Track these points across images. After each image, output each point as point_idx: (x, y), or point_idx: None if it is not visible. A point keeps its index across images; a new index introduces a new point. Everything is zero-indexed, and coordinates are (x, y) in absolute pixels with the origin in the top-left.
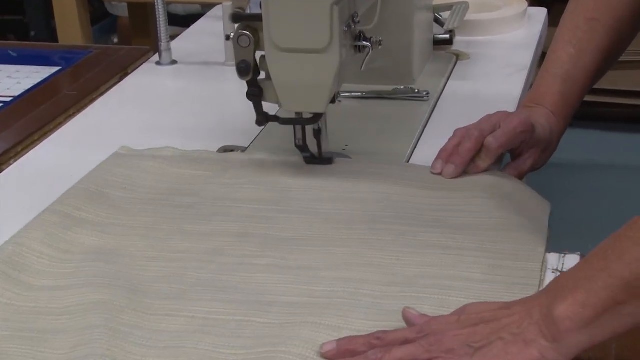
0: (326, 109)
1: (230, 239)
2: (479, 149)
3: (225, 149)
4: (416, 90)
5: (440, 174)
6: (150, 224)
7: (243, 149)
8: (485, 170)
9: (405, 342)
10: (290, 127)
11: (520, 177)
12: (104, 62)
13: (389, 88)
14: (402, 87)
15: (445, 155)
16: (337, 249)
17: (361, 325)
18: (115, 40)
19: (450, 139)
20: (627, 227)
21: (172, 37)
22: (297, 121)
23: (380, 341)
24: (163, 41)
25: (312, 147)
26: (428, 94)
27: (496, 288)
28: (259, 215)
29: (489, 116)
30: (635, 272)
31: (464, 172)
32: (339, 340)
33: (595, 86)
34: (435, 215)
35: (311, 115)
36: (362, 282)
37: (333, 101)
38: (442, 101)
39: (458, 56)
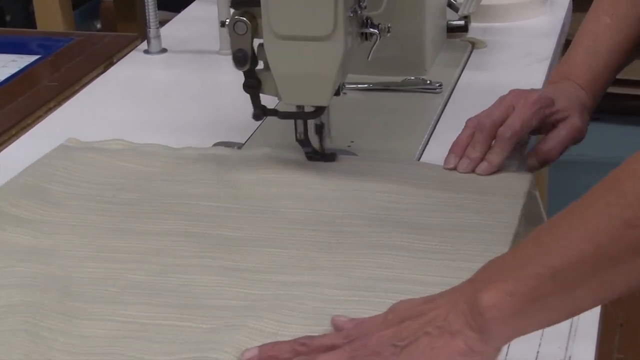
0: (330, 101)
1: (174, 238)
2: (493, 139)
3: (221, 145)
4: (428, 82)
5: (454, 169)
6: (91, 222)
7: (240, 145)
8: (501, 163)
9: (332, 348)
10: (290, 122)
11: (551, 157)
12: (87, 51)
13: (399, 79)
14: (412, 78)
15: (459, 149)
16: (287, 251)
17: (300, 331)
18: (99, 26)
19: (462, 131)
20: (566, 211)
21: (162, 23)
22: (298, 115)
23: (305, 347)
24: (152, 27)
25: (315, 142)
26: (441, 85)
27: None
28: (208, 214)
29: (501, 99)
30: (566, 260)
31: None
32: (261, 346)
33: (625, 76)
34: (401, 215)
35: (313, 109)
36: (310, 285)
37: (337, 93)
38: (456, 93)
39: (474, 44)
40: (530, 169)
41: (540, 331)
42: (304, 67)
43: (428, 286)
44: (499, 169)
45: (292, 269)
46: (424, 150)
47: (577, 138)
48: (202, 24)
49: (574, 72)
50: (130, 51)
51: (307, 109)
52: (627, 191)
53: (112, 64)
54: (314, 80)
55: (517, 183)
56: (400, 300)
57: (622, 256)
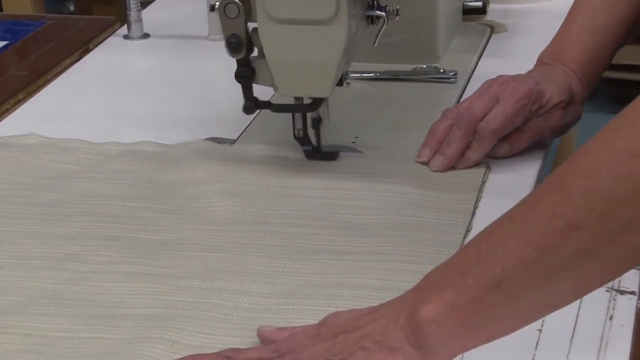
0: (331, 93)
1: (92, 242)
2: (473, 134)
3: (210, 142)
4: (441, 70)
5: (426, 164)
6: (1, 225)
7: (231, 142)
8: (479, 160)
9: None
10: (285, 116)
11: (504, 156)
12: (60, 36)
13: (408, 67)
14: (424, 66)
15: (434, 142)
16: (218, 255)
17: (227, 344)
18: (72, 8)
19: (439, 121)
20: (505, 215)
21: (144, 5)
22: (296, 108)
23: None
24: (132, 10)
25: (312, 137)
26: (456, 74)
27: (393, 295)
28: (129, 215)
29: (487, 84)
30: (507, 269)
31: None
32: (182, 359)
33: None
34: (350, 214)
35: (312, 101)
36: (238, 293)
37: (340, 84)
38: (473, 83)
39: (493, 28)
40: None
41: (568, 340)
42: (303, 54)
43: (370, 290)
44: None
45: (222, 274)
46: None
47: (547, 136)
48: (188, 5)
49: (566, 53)
50: (108, 36)
51: (307, 101)
52: (573, 190)
53: (87, 50)
54: (313, 69)
55: (474, 179)
56: (336, 311)
57: (568, 261)
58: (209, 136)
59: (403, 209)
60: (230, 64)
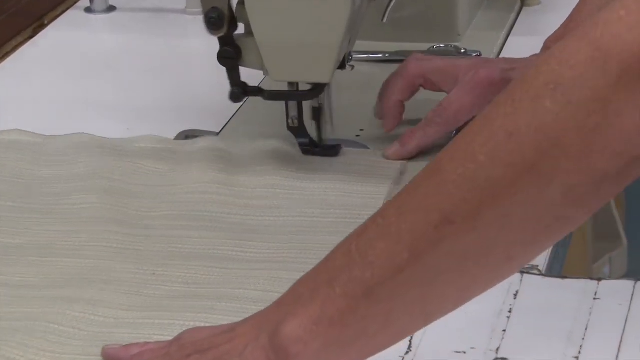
0: (332, 78)
1: None
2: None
3: (187, 135)
4: (462, 50)
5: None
6: None
7: (214, 135)
8: (416, 150)
9: None
10: (279, 105)
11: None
12: (9, 10)
13: (424, 47)
14: (442, 45)
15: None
16: (76, 260)
17: None
18: None
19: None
20: (379, 211)
21: None
22: (290, 95)
23: None
24: None
25: (313, 130)
26: (480, 55)
27: None
28: None
29: (454, 64)
30: (378, 274)
31: None
32: None
33: None
34: (242, 214)
35: (310, 87)
36: (94, 303)
37: (342, 66)
38: None
39: (523, 1)
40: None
41: (618, 337)
42: (298, 32)
43: (250, 303)
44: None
45: (79, 282)
46: None
47: None
48: None
49: None
50: (66, 9)
51: (303, 87)
52: (448, 177)
53: (42, 26)
54: (311, 50)
55: (390, 170)
56: (193, 328)
57: (445, 262)
58: (187, 128)
59: (305, 208)
60: (212, 43)
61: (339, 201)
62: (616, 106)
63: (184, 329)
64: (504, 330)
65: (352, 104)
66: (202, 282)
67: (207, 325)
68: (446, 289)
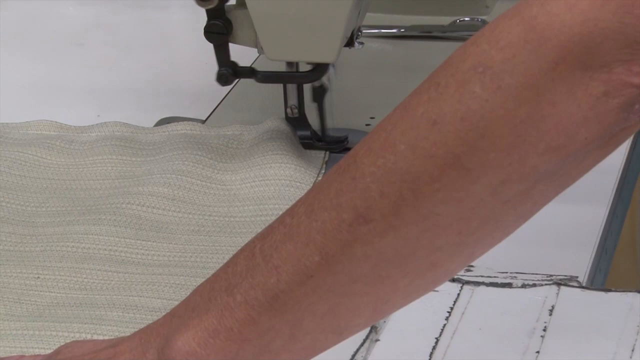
0: (338, 57)
1: None
2: None
3: (168, 123)
4: None
5: None
6: None
7: (200, 123)
8: None
9: None
10: (275, 87)
11: None
12: None
13: (446, 21)
14: (467, 18)
15: None
16: None
17: None
18: None
19: None
20: (288, 209)
21: None
22: (288, 77)
23: None
24: None
25: (315, 120)
26: None
27: None
28: None
29: None
30: (284, 279)
31: None
32: None
33: None
34: (135, 210)
35: (311, 68)
36: None
37: (350, 43)
38: None
39: None
40: None
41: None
42: (299, 3)
43: (147, 313)
44: None
45: None
46: None
47: None
48: None
49: None
50: None
51: (303, 68)
52: (364, 170)
53: None
54: (313, 24)
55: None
56: (74, 341)
57: (359, 266)
58: (169, 114)
59: (217, 206)
60: (198, 17)
61: (253, 194)
62: (551, 95)
63: (66, 342)
64: (537, 352)
65: (361, 87)
66: (94, 288)
67: (95, 338)
68: (361, 298)
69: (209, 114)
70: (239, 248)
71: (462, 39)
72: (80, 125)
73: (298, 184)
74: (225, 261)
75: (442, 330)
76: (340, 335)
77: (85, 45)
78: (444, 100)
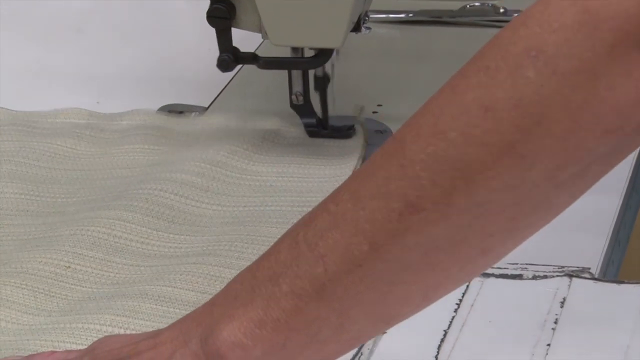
0: (343, 42)
1: None
2: None
3: (170, 111)
4: (501, 10)
5: None
6: None
7: (200, 110)
8: None
9: None
10: (280, 74)
11: None
12: None
13: (455, 5)
14: (476, 3)
15: None
16: None
17: None
18: None
19: None
20: (331, 196)
21: None
22: (293, 63)
23: None
24: None
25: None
26: None
27: None
28: None
29: None
30: (332, 269)
31: None
32: None
33: None
34: (165, 201)
35: (315, 53)
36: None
37: (357, 28)
38: None
39: None
40: None
41: None
42: None
43: (181, 306)
44: None
45: None
46: None
47: None
48: None
49: None
50: None
51: (308, 54)
52: (413, 158)
53: None
54: (319, 8)
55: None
56: (107, 336)
57: (410, 255)
58: (170, 102)
59: (252, 196)
60: (201, 1)
61: (291, 186)
62: (608, 79)
63: (100, 336)
64: (549, 345)
65: (368, 73)
66: (126, 281)
67: (128, 332)
68: (411, 287)
69: (212, 101)
70: (275, 239)
71: (472, 24)
72: (110, 113)
73: (338, 178)
74: (261, 252)
75: (451, 323)
76: (388, 323)
77: (85, 31)
78: (495, 85)
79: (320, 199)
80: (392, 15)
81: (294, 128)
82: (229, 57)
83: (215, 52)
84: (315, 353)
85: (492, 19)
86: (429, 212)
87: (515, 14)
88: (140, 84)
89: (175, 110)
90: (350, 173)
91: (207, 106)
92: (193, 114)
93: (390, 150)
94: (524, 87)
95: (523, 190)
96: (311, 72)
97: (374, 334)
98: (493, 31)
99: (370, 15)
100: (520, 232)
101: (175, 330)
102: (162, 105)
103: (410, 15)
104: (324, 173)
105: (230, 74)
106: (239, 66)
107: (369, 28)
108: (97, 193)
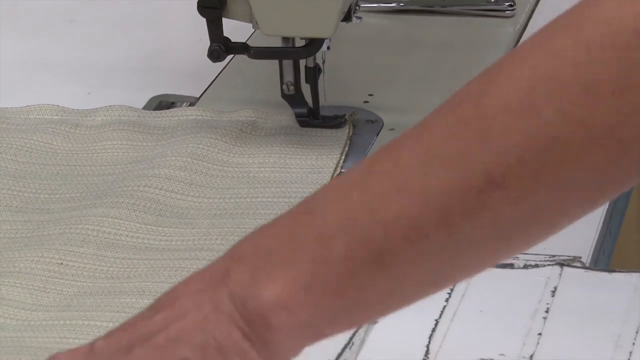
0: (334, 32)
1: None
2: None
3: (161, 101)
4: (492, 0)
5: None
6: None
7: (192, 101)
8: None
9: None
10: (271, 64)
11: None
12: None
13: None
14: None
15: None
16: None
17: None
18: None
19: None
20: (389, 152)
21: None
22: (284, 53)
23: None
24: None
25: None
26: (513, 5)
27: None
28: None
29: None
30: (393, 236)
31: None
32: None
33: None
34: (151, 193)
35: (306, 43)
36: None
37: (348, 18)
38: (537, 17)
39: None
40: None
41: (637, 322)
42: None
43: None
44: None
45: None
46: None
47: None
48: None
49: None
50: None
51: (299, 44)
52: (500, 129)
53: None
54: None
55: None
56: (110, 331)
57: (481, 232)
58: (162, 92)
59: (237, 188)
60: None
61: (275, 177)
62: None
63: (102, 333)
64: (540, 334)
65: (359, 63)
66: (120, 276)
67: None
68: (472, 260)
69: (203, 91)
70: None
71: (463, 13)
72: (83, 109)
73: (320, 169)
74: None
75: (442, 312)
76: (440, 288)
77: (76, 22)
78: (597, 66)
79: (306, 190)
80: (383, 5)
81: (277, 117)
82: (220, 47)
83: (206, 43)
84: (360, 317)
85: (483, 7)
86: (512, 190)
87: (507, 3)
88: (131, 74)
89: (166, 100)
90: (333, 164)
91: (198, 96)
92: (184, 104)
93: (468, 118)
94: (633, 70)
95: (613, 173)
96: (302, 62)
97: (422, 298)
98: (484, 20)
99: (361, 5)
100: (592, 209)
101: (199, 294)
102: (153, 96)
103: (401, 4)
104: (306, 163)
105: (221, 64)
106: (230, 56)
107: (359, 18)
108: (80, 190)
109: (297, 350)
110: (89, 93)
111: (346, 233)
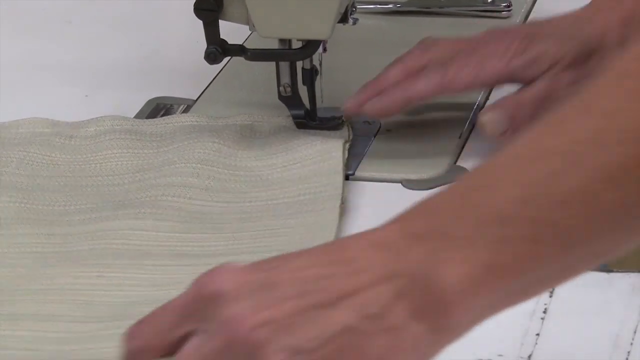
0: (331, 33)
1: None
2: None
3: (158, 104)
4: (489, 0)
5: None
6: None
7: (189, 103)
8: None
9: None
10: (268, 66)
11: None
12: None
13: None
14: None
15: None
16: (16, 268)
17: None
18: None
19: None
20: (539, 134)
21: None
22: (280, 55)
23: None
24: None
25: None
26: (509, 6)
27: None
28: None
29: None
30: (576, 214)
31: None
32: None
33: None
34: (171, 201)
35: (302, 44)
36: (41, 318)
37: (344, 19)
38: (533, 19)
39: None
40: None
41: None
42: None
43: None
44: None
45: (11, 295)
46: (484, 104)
47: None
48: None
49: None
50: None
51: (295, 46)
52: None
53: None
54: (306, 1)
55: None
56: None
57: None
58: (159, 94)
59: (254, 191)
60: None
61: (289, 176)
62: None
63: None
64: (538, 335)
65: (356, 64)
66: (160, 284)
67: None
68: None
69: (200, 93)
70: (293, 229)
71: (461, 14)
72: (74, 121)
73: (330, 154)
74: (287, 244)
75: None
76: (603, 260)
77: (74, 23)
78: None
79: (323, 181)
80: (380, 6)
81: (274, 120)
82: (217, 50)
83: (203, 45)
84: (535, 292)
85: (481, 8)
86: None
87: (504, 4)
88: (128, 76)
89: (163, 103)
90: (340, 146)
91: (195, 98)
92: (180, 107)
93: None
94: None
95: None
96: (299, 64)
97: (582, 273)
98: (482, 21)
99: (358, 6)
100: None
101: (374, 266)
102: (150, 98)
103: (398, 5)
104: (314, 151)
105: (218, 66)
106: (227, 58)
107: (356, 19)
108: (94, 201)
109: (465, 332)
110: (86, 95)
111: (525, 212)
